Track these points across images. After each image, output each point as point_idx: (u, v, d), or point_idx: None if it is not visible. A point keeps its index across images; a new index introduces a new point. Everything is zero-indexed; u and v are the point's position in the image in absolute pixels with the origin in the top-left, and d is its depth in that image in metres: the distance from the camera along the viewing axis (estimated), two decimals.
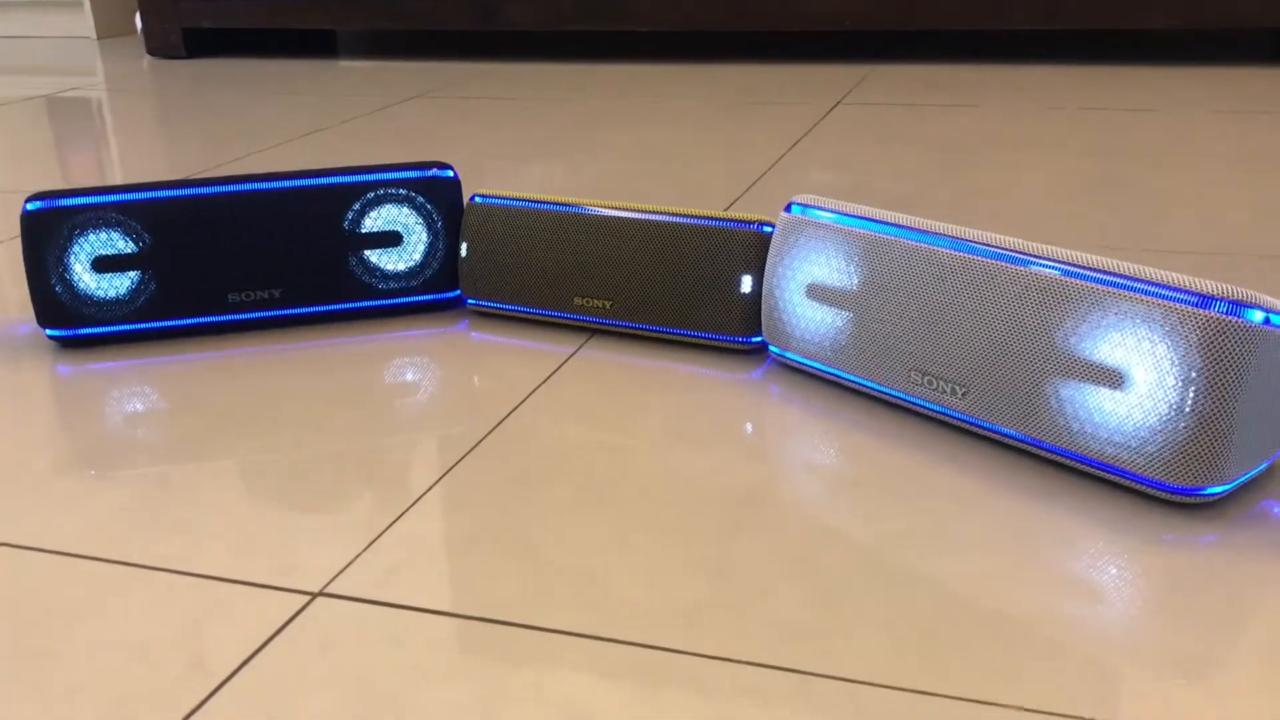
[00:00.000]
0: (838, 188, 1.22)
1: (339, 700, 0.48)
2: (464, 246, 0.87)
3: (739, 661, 0.50)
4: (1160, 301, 0.58)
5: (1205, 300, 0.56)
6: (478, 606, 0.54)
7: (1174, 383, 0.57)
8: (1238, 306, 0.56)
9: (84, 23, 2.75)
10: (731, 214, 0.79)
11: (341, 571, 0.57)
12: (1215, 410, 0.57)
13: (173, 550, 0.59)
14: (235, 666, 0.50)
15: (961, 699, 0.47)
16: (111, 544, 0.60)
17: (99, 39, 2.74)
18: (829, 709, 0.47)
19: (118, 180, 1.38)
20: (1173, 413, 0.57)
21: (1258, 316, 0.56)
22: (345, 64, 2.22)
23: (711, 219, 0.79)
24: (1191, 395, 0.57)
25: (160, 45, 2.34)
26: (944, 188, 1.21)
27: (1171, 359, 0.57)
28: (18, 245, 1.12)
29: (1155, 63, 1.90)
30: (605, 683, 0.49)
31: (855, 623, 0.52)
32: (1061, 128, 1.47)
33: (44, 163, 1.48)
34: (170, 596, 0.55)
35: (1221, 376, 0.56)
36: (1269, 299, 0.57)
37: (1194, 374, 0.56)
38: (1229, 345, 0.56)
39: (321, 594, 0.55)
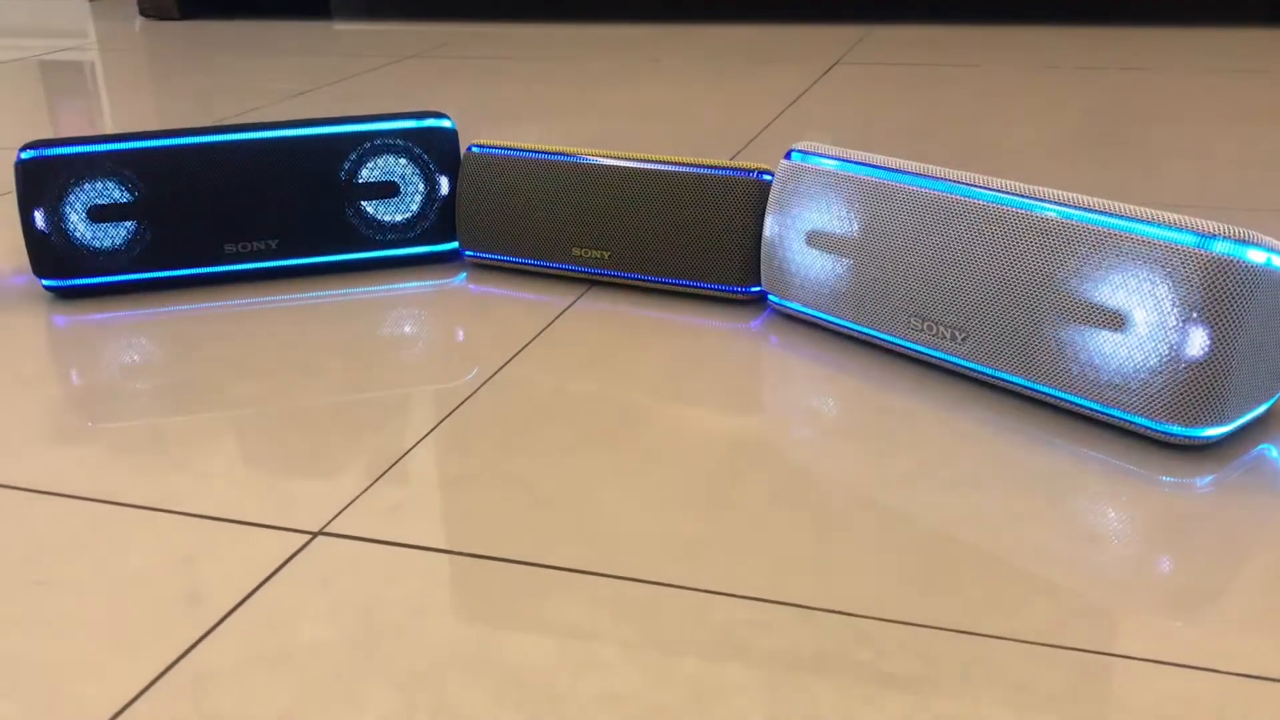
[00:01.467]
0: (837, 144, 1.21)
1: (340, 634, 0.48)
2: (461, 197, 0.86)
3: (739, 596, 0.50)
4: (1161, 242, 0.58)
5: (1206, 240, 0.56)
6: (477, 544, 0.54)
7: (1174, 324, 0.57)
8: (1239, 246, 0.56)
9: None
10: (730, 162, 0.79)
11: (341, 511, 0.57)
12: (1215, 351, 0.56)
13: (171, 492, 0.59)
14: (236, 602, 0.50)
15: (961, 631, 0.47)
16: (108, 486, 0.60)
17: (91, 0, 2.71)
18: (830, 640, 0.47)
19: None
20: (1173, 354, 0.57)
21: (1259, 257, 0.56)
22: (339, 26, 2.21)
23: (710, 167, 0.79)
24: (1192, 336, 0.57)
25: (153, 6, 2.32)
26: (942, 146, 1.21)
27: (1172, 300, 0.57)
28: (12, 200, 1.11)
29: (1152, 23, 1.89)
30: (605, 616, 0.49)
31: (854, 558, 0.52)
32: (1059, 87, 1.46)
33: (36, 124, 1.47)
34: (168, 535, 0.55)
35: (1222, 317, 0.56)
36: (1270, 239, 0.57)
37: (1194, 314, 0.56)
38: (1230, 285, 0.56)
39: (321, 533, 0.55)
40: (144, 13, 2.34)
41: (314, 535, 0.55)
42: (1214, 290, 0.56)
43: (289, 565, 0.53)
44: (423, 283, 0.87)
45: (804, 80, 1.55)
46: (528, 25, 2.11)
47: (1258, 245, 0.56)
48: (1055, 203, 0.62)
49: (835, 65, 1.64)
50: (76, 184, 0.82)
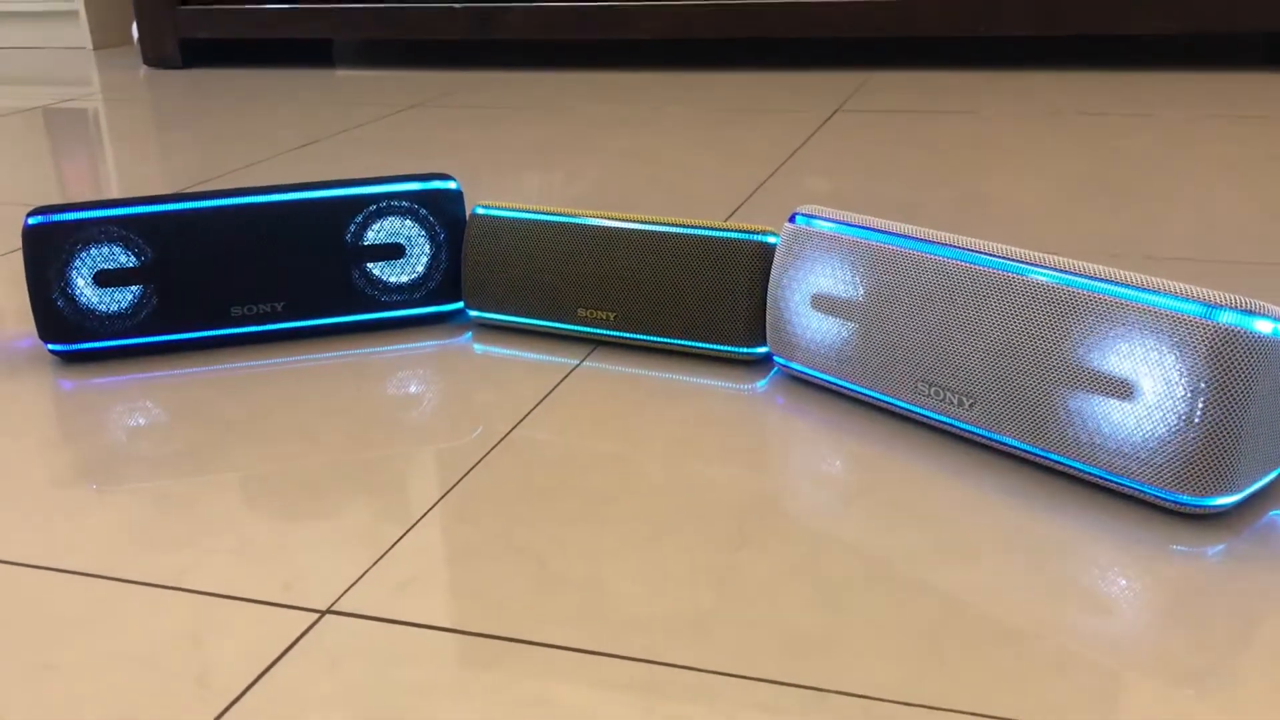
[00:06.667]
0: (838, 194, 1.22)
1: (349, 717, 0.48)
2: (466, 258, 0.87)
3: (748, 677, 0.49)
4: (1168, 312, 0.58)
5: (1213, 310, 0.56)
6: (486, 623, 0.54)
7: (1182, 393, 0.57)
8: (1246, 316, 0.56)
9: (80, 33, 2.75)
10: (735, 224, 0.79)
11: (349, 588, 0.57)
12: (1223, 421, 0.56)
13: (179, 567, 0.59)
14: (245, 685, 0.50)
15: (973, 713, 0.47)
16: (116, 561, 0.60)
17: (95, 49, 2.73)
18: None
19: (115, 191, 1.37)
20: (1181, 423, 0.57)
21: (1265, 327, 0.56)
22: (342, 73, 2.22)
23: (715, 230, 0.79)
24: (1200, 406, 0.57)
25: (156, 55, 2.34)
26: (944, 194, 1.21)
27: (1179, 369, 0.57)
28: (17, 258, 1.12)
29: (1153, 68, 1.90)
30: (613, 699, 0.48)
31: (864, 635, 0.52)
32: (1060, 133, 1.47)
33: (41, 174, 1.47)
34: (177, 614, 0.55)
35: (1229, 387, 0.56)
36: (1277, 309, 0.57)
37: (1202, 384, 0.56)
38: (1237, 356, 0.56)
39: (330, 611, 0.55)
40: (148, 61, 2.35)
41: (322, 614, 0.55)
42: (1221, 360, 0.56)
43: (298, 645, 0.52)
44: (429, 343, 0.87)
45: (806, 128, 1.56)
46: (528, 72, 2.13)
47: (1264, 315, 0.56)
48: (1061, 270, 0.62)
49: (835, 113, 1.65)
50: (82, 249, 0.82)
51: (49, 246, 0.82)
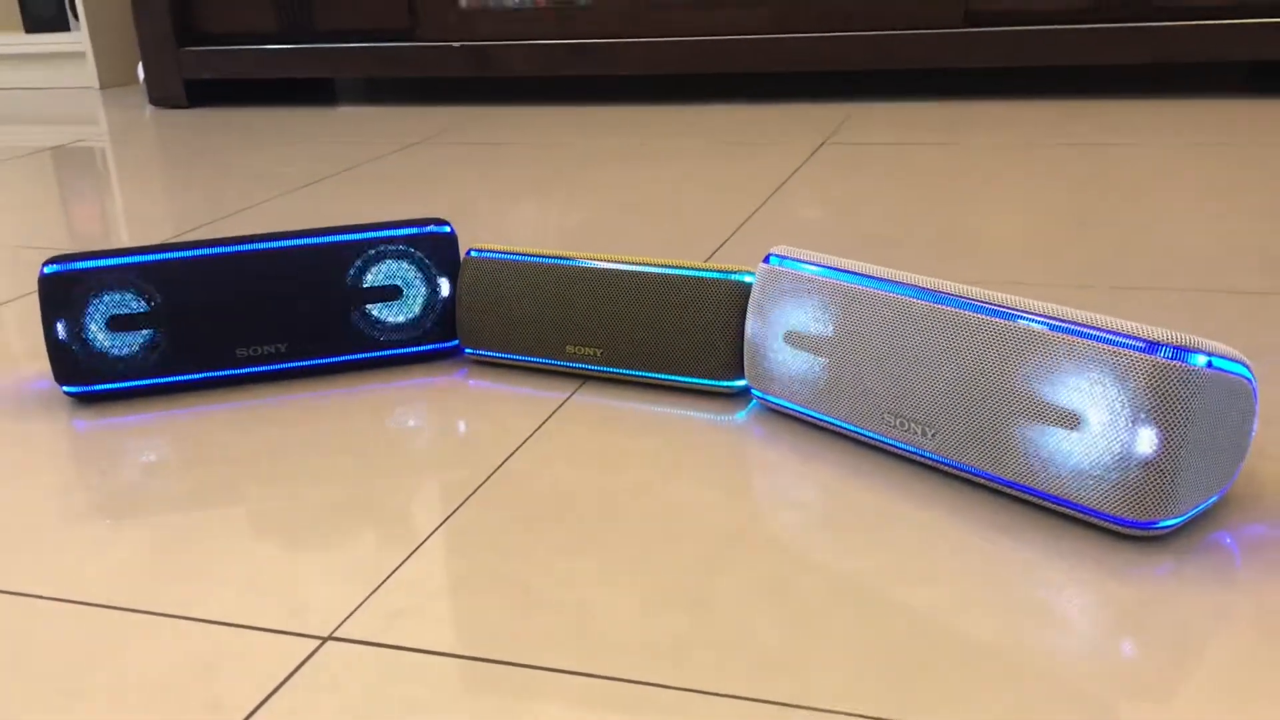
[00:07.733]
0: (825, 227, 1.26)
1: None
2: (460, 299, 0.91)
3: (722, 695, 0.53)
4: (1111, 348, 0.62)
5: (1152, 346, 0.60)
6: (477, 647, 0.58)
7: (1125, 424, 0.61)
8: (1181, 352, 0.60)
9: (88, 73, 2.81)
10: (714, 265, 0.83)
11: (349, 616, 0.61)
12: (1164, 449, 0.60)
13: (186, 597, 0.63)
14: (250, 710, 0.54)
15: None
16: (126, 592, 0.64)
17: (102, 89, 2.79)
18: None
19: (124, 231, 1.42)
20: (1125, 452, 0.61)
21: (1200, 360, 0.60)
22: (344, 111, 2.28)
23: (695, 270, 0.83)
24: (1141, 435, 0.61)
25: (162, 95, 2.39)
26: (926, 226, 1.25)
27: (1122, 401, 0.61)
28: (28, 302, 1.16)
29: (1131, 96, 1.95)
30: (596, 716, 0.52)
31: (830, 653, 0.56)
32: (1040, 164, 1.51)
33: (50, 215, 1.52)
34: (184, 643, 0.59)
35: (1168, 417, 0.60)
36: (1211, 343, 0.61)
37: (1143, 415, 0.60)
38: (1174, 388, 0.60)
39: (331, 638, 0.59)
40: (154, 101, 2.41)
41: (324, 640, 0.59)
42: (1160, 392, 0.60)
43: (301, 670, 0.56)
44: (425, 379, 0.91)
45: (792, 161, 1.60)
46: (525, 108, 2.18)
47: (1199, 350, 0.60)
48: (1015, 310, 0.66)
49: (821, 146, 1.70)
50: (96, 296, 0.86)
51: (64, 294, 0.86)
